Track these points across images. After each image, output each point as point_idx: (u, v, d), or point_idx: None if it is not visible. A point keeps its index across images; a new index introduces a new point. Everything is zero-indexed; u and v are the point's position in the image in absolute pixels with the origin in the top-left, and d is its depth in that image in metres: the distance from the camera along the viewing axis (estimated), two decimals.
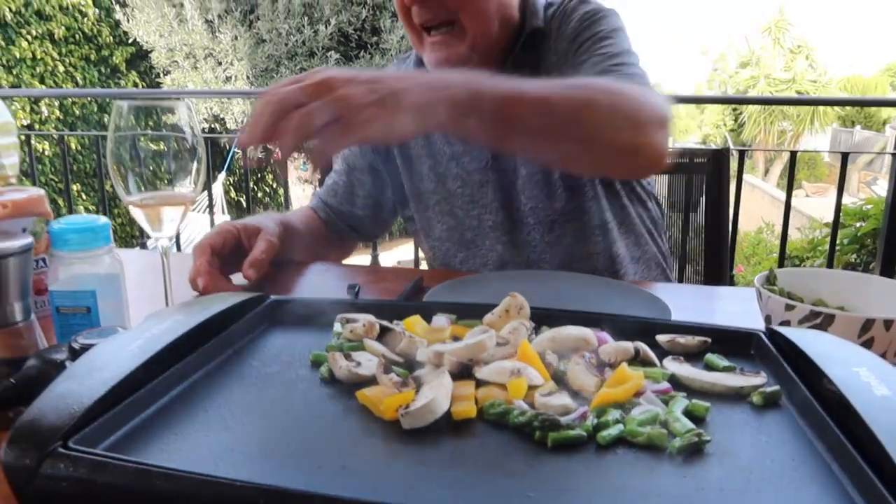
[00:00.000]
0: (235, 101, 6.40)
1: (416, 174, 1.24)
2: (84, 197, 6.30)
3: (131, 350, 0.51)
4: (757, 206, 11.10)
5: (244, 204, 6.95)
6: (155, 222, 0.79)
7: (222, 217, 7.05)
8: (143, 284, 1.07)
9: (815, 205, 10.23)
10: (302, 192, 7.38)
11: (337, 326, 0.63)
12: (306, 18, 5.96)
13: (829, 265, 2.46)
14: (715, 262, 1.54)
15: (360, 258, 3.08)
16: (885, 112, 24.38)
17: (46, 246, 0.74)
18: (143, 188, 0.78)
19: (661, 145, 0.89)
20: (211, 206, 3.77)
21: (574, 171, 1.09)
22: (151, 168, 0.78)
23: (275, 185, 9.00)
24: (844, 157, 2.42)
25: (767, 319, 0.81)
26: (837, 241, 3.07)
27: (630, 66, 1.00)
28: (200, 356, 0.57)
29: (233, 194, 8.15)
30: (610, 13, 1.10)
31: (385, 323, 0.61)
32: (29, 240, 0.65)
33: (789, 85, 20.08)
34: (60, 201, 6.03)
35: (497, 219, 1.18)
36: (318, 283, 1.14)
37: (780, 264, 2.62)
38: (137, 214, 0.79)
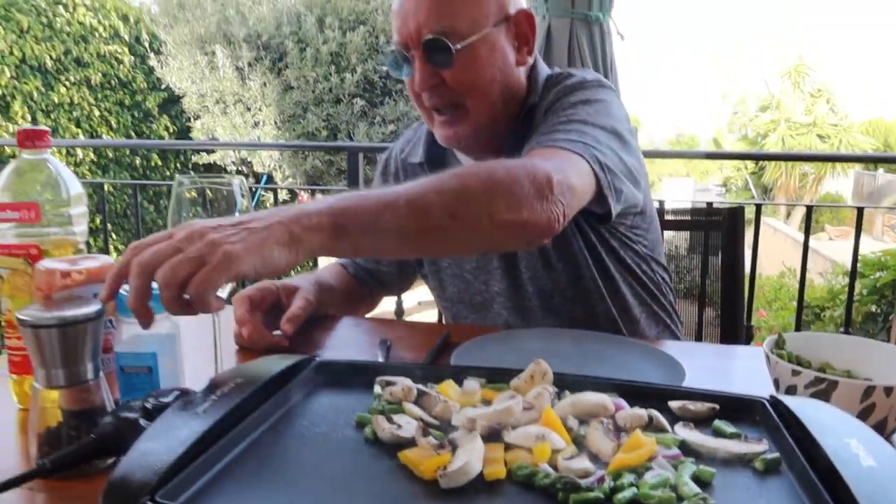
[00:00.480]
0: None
1: None
2: (114, 236, 6.48)
3: (201, 411, 0.58)
4: (779, 249, 11.05)
5: None
6: None
7: None
8: (189, 339, 1.15)
9: (838, 248, 10.16)
10: None
11: (377, 388, 0.70)
12: (333, 66, 6.17)
13: (847, 316, 2.49)
14: (732, 313, 1.58)
15: (385, 301, 3.14)
16: None
17: (113, 309, 0.82)
18: None
19: (543, 217, 0.86)
20: None
21: (468, 253, 1.15)
22: None
23: None
24: (860, 211, 2.47)
25: (776, 383, 0.86)
26: (857, 292, 3.09)
27: (568, 134, 0.99)
28: (259, 416, 0.63)
29: None
30: (593, 84, 1.12)
31: (421, 387, 0.68)
32: (101, 305, 0.73)
33: (810, 129, 20.10)
34: (92, 240, 6.22)
35: (501, 286, 1.24)
36: (350, 337, 1.21)
37: (799, 314, 2.66)
38: None
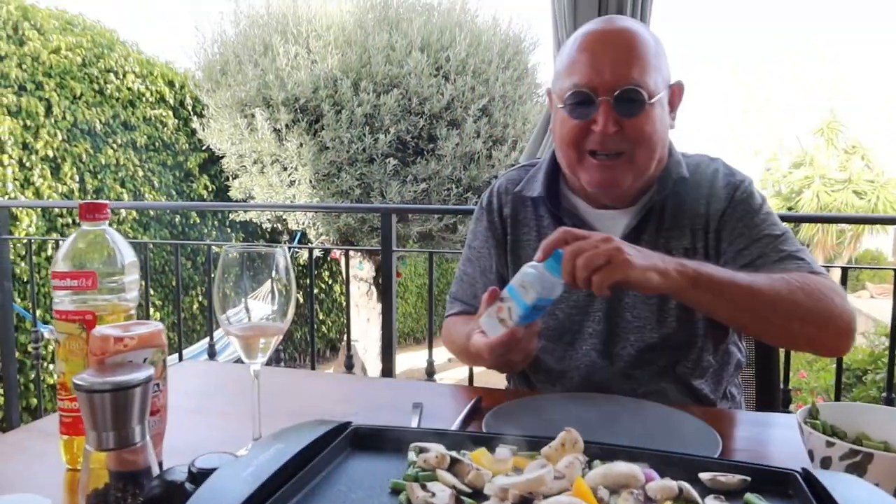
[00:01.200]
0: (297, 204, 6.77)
1: None
2: (152, 291, 6.63)
3: (245, 476, 0.60)
4: None
5: (301, 299, 7.19)
6: (252, 350, 0.90)
7: None
8: (228, 400, 1.18)
9: (880, 307, 9.91)
10: (357, 289, 7.58)
11: (411, 455, 0.72)
12: (367, 127, 6.34)
13: (889, 381, 2.42)
14: (767, 376, 1.55)
15: (417, 353, 3.15)
16: None
17: (161, 372, 0.86)
18: (248, 319, 0.90)
19: (836, 350, 1.17)
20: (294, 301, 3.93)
21: (754, 336, 1.36)
22: (249, 303, 0.90)
23: (330, 282, 9.26)
24: None
25: (810, 454, 0.86)
26: None
27: (808, 260, 1.18)
28: (299, 481, 0.66)
29: None
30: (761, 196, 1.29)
31: (454, 455, 0.69)
32: (151, 370, 0.76)
33: (846, 185, 19.87)
34: None
35: (598, 328, 1.27)
36: (384, 400, 1.23)
37: (838, 378, 2.60)
38: (235, 342, 0.91)
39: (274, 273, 0.90)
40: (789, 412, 2.45)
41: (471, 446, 0.74)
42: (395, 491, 0.66)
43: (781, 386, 2.34)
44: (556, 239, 0.99)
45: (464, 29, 6.65)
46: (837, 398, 2.53)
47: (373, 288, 7.50)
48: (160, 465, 0.79)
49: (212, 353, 3.51)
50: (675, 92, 1.26)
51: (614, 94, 1.15)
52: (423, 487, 0.64)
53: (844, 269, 2.45)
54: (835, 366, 2.68)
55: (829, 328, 1.09)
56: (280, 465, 0.64)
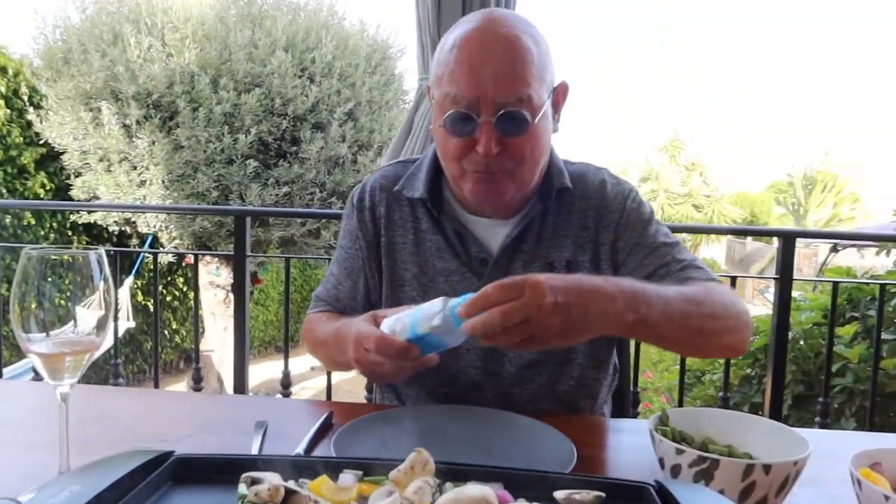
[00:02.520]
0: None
1: (399, 279, 1.26)
2: None
3: None
4: None
5: (151, 308, 6.68)
6: (57, 370, 0.77)
7: (127, 324, 6.74)
8: (33, 431, 1.02)
9: None
10: (213, 296, 7.19)
11: (242, 488, 0.63)
12: (226, 127, 6.02)
13: (726, 380, 2.60)
14: (619, 378, 1.59)
15: (279, 362, 3.00)
16: (773, 224, 26.55)
17: None
18: (47, 334, 0.77)
19: (744, 348, 1.16)
20: (116, 313, 3.58)
21: (668, 350, 1.32)
22: (58, 315, 0.77)
23: (185, 289, 8.74)
24: (733, 280, 2.62)
25: (661, 462, 0.86)
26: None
27: (705, 269, 1.19)
28: None
29: (140, 298, 7.85)
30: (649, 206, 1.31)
31: (290, 486, 0.61)
32: None
33: (686, 199, 21.61)
34: None
35: (475, 343, 1.17)
36: (225, 419, 1.12)
37: (682, 378, 2.75)
38: (36, 361, 0.78)
39: (88, 280, 0.78)
40: (638, 414, 2.57)
41: (312, 473, 0.66)
42: None
43: (631, 388, 2.45)
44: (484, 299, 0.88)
45: (330, 31, 6.51)
46: (681, 399, 2.68)
47: (230, 295, 7.13)
48: None
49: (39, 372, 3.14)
50: (560, 94, 1.20)
51: (497, 114, 1.07)
52: None
53: (733, 279, 2.60)
54: (678, 367, 2.85)
55: (740, 333, 1.12)
56: None
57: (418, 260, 1.25)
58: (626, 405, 1.58)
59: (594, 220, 1.23)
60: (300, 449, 0.93)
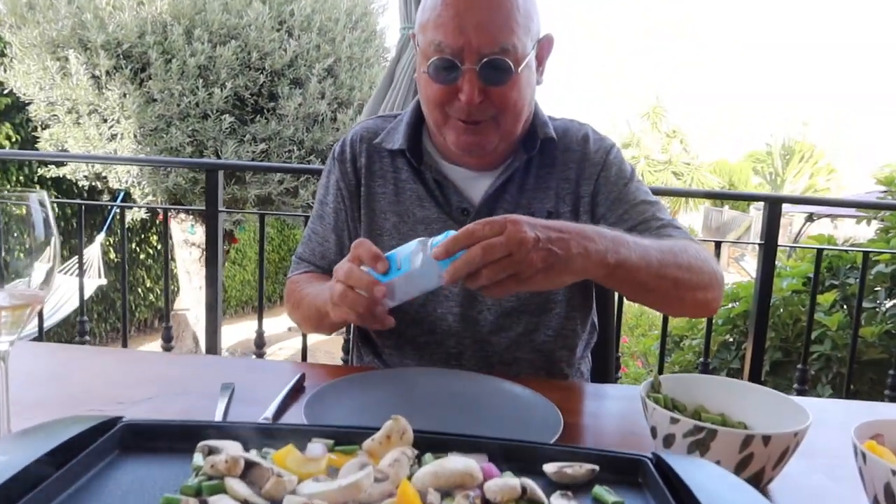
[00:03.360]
0: (120, 161, 6.11)
1: (377, 229, 1.25)
2: None
3: None
4: None
5: (124, 266, 6.54)
6: None
7: (98, 281, 6.61)
8: None
9: None
10: (189, 255, 7.05)
11: (198, 458, 0.57)
12: (201, 80, 5.81)
13: (706, 345, 2.58)
14: (604, 340, 1.55)
15: (255, 322, 2.92)
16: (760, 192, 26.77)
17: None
18: None
19: (715, 307, 1.16)
20: (82, 269, 3.45)
21: (642, 304, 1.24)
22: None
23: (158, 247, 8.58)
24: (717, 245, 2.59)
25: (653, 431, 0.81)
26: (713, 322, 3.25)
27: (683, 230, 1.21)
28: (39, 495, 0.48)
29: (112, 255, 7.69)
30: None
31: (251, 457, 0.55)
32: None
33: (666, 166, 21.65)
34: None
35: (454, 289, 1.19)
36: (191, 381, 1.05)
37: (663, 342, 2.73)
38: None
39: (29, 228, 0.70)
40: (618, 379, 2.55)
41: (277, 443, 0.60)
42: None
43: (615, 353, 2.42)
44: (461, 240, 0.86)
45: None
46: (661, 364, 2.66)
47: (206, 253, 7.00)
48: None
49: None
50: (544, 46, 1.20)
51: (480, 62, 1.07)
52: (204, 503, 0.49)
53: (718, 244, 2.57)
54: (656, 333, 2.83)
55: (714, 291, 1.12)
56: (8, 477, 0.46)
57: (398, 209, 1.24)
58: (609, 369, 1.54)
59: (576, 173, 1.23)
60: (268, 414, 0.86)
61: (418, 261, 0.86)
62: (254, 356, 2.78)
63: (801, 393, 2.49)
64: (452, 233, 0.86)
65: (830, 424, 0.92)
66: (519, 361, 1.21)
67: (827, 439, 0.89)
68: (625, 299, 2.30)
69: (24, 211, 0.70)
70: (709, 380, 0.93)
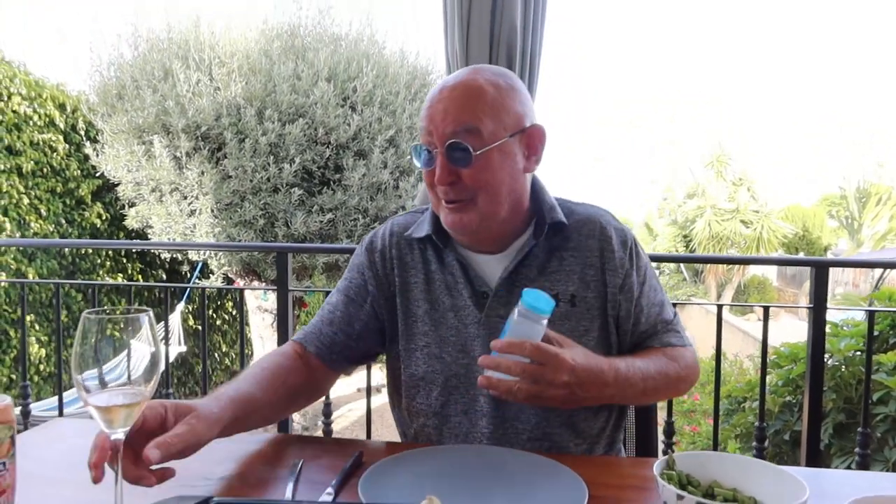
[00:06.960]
0: (198, 235, 6.55)
1: (412, 315, 1.35)
2: (37, 327, 6.21)
3: None
4: (711, 331, 11.36)
5: (201, 332, 6.92)
6: (114, 422, 0.87)
7: (179, 348, 6.98)
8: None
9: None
10: (262, 320, 7.39)
11: None
12: (272, 157, 6.23)
13: (761, 409, 2.58)
14: (645, 428, 1.62)
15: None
16: (826, 239, 25.78)
17: (8, 450, 0.81)
18: (103, 387, 0.86)
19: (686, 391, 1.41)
20: (167, 337, 3.76)
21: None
22: (114, 374, 0.87)
23: (234, 312, 8.98)
24: (766, 310, 2.62)
25: None
26: (773, 383, 3.23)
27: (680, 333, 1.37)
28: None
29: (191, 322, 8.10)
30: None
31: None
32: None
33: (734, 214, 21.15)
34: (12, 332, 5.95)
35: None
36: (255, 460, 1.19)
37: (716, 408, 2.74)
38: (94, 414, 0.87)
39: (137, 338, 0.88)
40: (673, 444, 2.57)
41: None
42: None
43: (665, 419, 2.46)
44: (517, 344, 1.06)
45: (371, 60, 6.68)
46: (716, 429, 2.67)
47: (277, 324, 7.32)
48: None
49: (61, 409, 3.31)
50: (533, 135, 1.27)
51: (445, 144, 1.21)
52: None
53: (719, 307, 2.60)
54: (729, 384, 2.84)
55: (679, 392, 1.39)
56: None
57: (429, 297, 1.34)
58: (650, 438, 1.61)
59: (601, 261, 1.31)
60: (330, 489, 1.00)
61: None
62: (321, 422, 2.95)
63: (862, 457, 2.45)
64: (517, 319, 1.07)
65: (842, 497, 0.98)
66: (549, 436, 1.28)
67: None
68: None
69: (137, 325, 0.87)
70: (722, 456, 1.02)
